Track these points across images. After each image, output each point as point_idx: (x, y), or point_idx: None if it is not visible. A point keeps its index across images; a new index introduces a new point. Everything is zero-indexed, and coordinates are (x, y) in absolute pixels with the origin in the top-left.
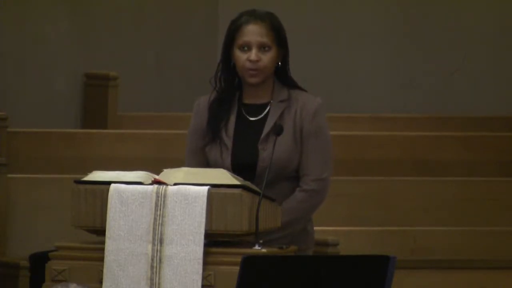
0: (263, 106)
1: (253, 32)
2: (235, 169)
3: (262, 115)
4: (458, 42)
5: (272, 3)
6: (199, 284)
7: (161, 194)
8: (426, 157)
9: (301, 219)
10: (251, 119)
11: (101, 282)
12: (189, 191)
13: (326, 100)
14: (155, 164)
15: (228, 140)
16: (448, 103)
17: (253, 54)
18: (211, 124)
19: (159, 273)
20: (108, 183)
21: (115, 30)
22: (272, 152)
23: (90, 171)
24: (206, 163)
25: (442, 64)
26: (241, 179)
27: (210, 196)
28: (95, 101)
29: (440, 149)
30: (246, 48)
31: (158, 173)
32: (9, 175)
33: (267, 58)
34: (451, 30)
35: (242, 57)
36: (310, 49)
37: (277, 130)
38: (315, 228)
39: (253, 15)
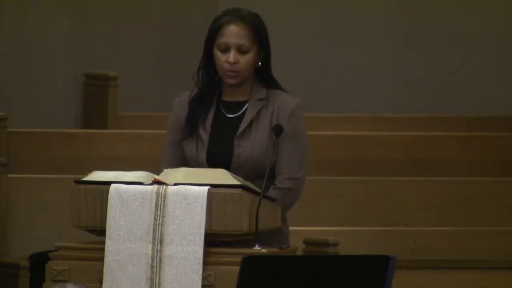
0: (241, 104)
1: (232, 34)
2: (209, 165)
3: (240, 112)
4: (458, 42)
5: (272, 3)
6: (199, 284)
7: (161, 194)
8: (426, 157)
9: None
10: (229, 116)
11: (101, 282)
12: (189, 191)
13: (326, 100)
14: (155, 164)
15: (204, 136)
16: (448, 103)
17: (231, 56)
18: (189, 119)
19: (159, 273)
20: (108, 183)
21: (115, 30)
22: (273, 152)
23: (90, 171)
24: (184, 158)
25: (442, 64)
26: (241, 179)
27: (210, 196)
28: (95, 101)
29: (440, 149)
30: (225, 49)
31: (158, 173)
32: (9, 175)
33: (245, 60)
34: (451, 30)
35: (221, 58)
36: (310, 49)
37: (277, 130)
38: (315, 228)
39: (235, 15)
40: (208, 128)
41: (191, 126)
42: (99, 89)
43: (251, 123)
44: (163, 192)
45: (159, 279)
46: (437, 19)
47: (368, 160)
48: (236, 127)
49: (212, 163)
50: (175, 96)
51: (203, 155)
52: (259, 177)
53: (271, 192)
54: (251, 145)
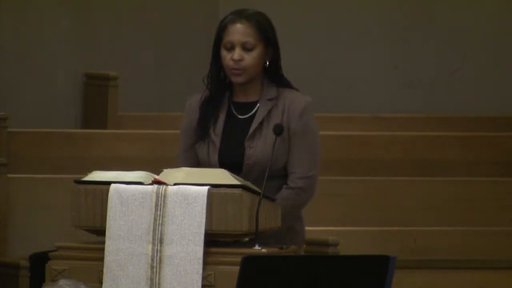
0: (252, 104)
1: (236, 32)
2: (222, 167)
3: (251, 113)
4: (458, 42)
5: (272, 3)
6: (199, 284)
7: (161, 194)
8: (426, 157)
9: (286, 217)
10: (240, 117)
11: (101, 282)
12: (189, 191)
13: (326, 100)
14: (155, 164)
15: (216, 138)
16: (448, 103)
17: (236, 53)
18: (201, 122)
19: (159, 273)
20: (108, 183)
21: (115, 30)
22: (273, 151)
23: (90, 171)
24: (197, 161)
25: (442, 64)
26: (241, 179)
27: (210, 196)
28: (95, 101)
29: (440, 149)
30: (230, 48)
31: (158, 173)
32: (9, 175)
33: (250, 58)
34: (451, 30)
35: (226, 56)
36: (310, 49)
37: (278, 129)
38: (315, 228)
39: (239, 15)
40: (219, 130)
41: (202, 129)
42: (99, 89)
43: (261, 124)
44: (163, 192)
45: (159, 279)
46: (437, 19)
47: (368, 160)
48: (247, 128)
49: (224, 165)
50: (175, 96)
51: (215, 158)
52: (271, 177)
53: (284, 192)
54: (262, 145)
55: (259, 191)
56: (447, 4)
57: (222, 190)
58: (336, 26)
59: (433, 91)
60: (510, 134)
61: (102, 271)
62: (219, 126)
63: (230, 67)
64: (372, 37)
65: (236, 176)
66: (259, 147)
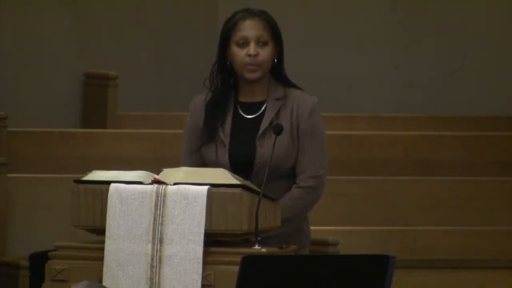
0: (259, 104)
1: (250, 27)
2: (232, 167)
3: (259, 113)
4: (458, 42)
5: (272, 3)
6: (199, 283)
7: (161, 194)
8: (426, 157)
9: (297, 216)
10: (248, 117)
11: (101, 282)
12: (189, 191)
13: (326, 100)
14: (154, 163)
15: (225, 139)
16: (448, 103)
17: (252, 48)
18: (207, 124)
19: (159, 273)
20: (108, 182)
21: (115, 30)
22: (272, 151)
23: (90, 171)
24: (202, 163)
25: (442, 64)
26: (241, 178)
27: (210, 196)
28: (95, 100)
29: (440, 149)
30: (244, 43)
31: (157, 173)
32: (9, 175)
33: (265, 53)
34: (451, 30)
35: (240, 53)
36: (310, 49)
37: (277, 129)
38: (315, 227)
39: (248, 12)
40: (227, 131)
41: (209, 131)
42: (99, 89)
43: (271, 123)
44: (162, 191)
45: (158, 279)
46: (437, 19)
47: (368, 160)
48: (256, 128)
49: (234, 165)
50: (175, 96)
51: (225, 158)
52: (281, 176)
53: (294, 191)
54: (272, 144)
55: (259, 190)
56: (448, 4)
57: (222, 189)
58: (336, 26)
59: (433, 91)
60: (510, 134)
61: (102, 270)
62: (227, 127)
63: (246, 63)
64: (372, 37)
65: (236, 175)
66: (269, 146)
